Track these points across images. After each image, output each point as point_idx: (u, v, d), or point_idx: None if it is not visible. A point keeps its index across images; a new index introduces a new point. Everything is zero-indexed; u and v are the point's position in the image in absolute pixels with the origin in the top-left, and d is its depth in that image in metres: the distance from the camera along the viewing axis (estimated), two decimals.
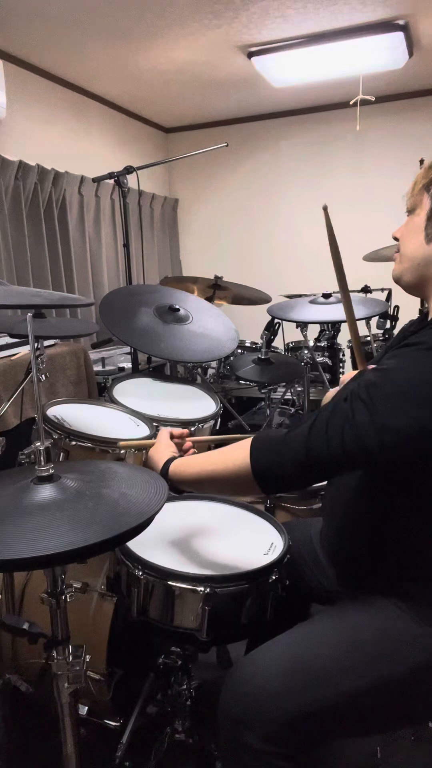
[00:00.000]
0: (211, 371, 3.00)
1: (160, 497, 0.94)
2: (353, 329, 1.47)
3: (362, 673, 1.00)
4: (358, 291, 2.95)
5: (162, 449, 1.22)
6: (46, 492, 0.93)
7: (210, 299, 2.96)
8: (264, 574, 1.20)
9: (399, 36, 2.82)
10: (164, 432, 1.30)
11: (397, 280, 1.09)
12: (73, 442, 1.52)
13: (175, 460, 1.16)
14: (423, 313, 1.13)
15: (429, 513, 1.00)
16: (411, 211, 1.08)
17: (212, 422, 1.76)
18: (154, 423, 1.73)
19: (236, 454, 1.03)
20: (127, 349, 3.08)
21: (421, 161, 2.29)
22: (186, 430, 1.33)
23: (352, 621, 1.07)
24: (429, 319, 1.05)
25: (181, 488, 1.15)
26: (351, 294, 1.46)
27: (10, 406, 1.66)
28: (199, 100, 3.87)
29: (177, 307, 1.97)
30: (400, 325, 2.88)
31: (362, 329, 2.81)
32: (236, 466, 1.03)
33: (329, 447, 0.91)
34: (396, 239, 1.11)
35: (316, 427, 0.94)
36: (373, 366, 1.03)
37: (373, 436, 0.88)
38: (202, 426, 1.79)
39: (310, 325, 2.76)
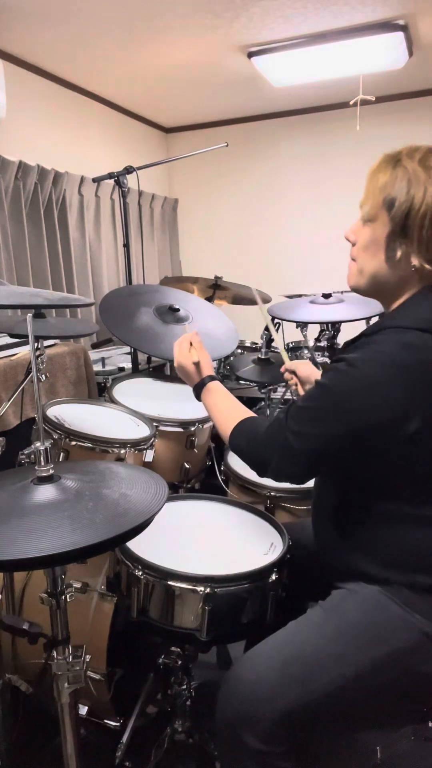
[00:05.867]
0: None
1: (160, 498, 0.94)
2: None
3: (350, 656, 1.02)
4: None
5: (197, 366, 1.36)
6: (46, 492, 0.93)
7: (210, 299, 2.96)
8: (264, 574, 1.20)
9: (399, 36, 2.82)
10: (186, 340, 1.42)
11: (354, 289, 1.13)
12: (73, 442, 1.53)
13: (207, 384, 1.32)
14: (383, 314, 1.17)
15: (381, 504, 1.07)
16: (368, 221, 1.06)
17: (212, 422, 1.76)
18: (154, 423, 1.73)
19: (224, 424, 1.23)
20: (127, 349, 3.08)
21: None
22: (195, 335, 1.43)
23: (340, 609, 1.10)
24: (381, 322, 1.08)
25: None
26: (349, 293, 1.48)
27: (10, 406, 1.66)
28: (199, 100, 3.87)
29: (177, 307, 1.97)
30: None
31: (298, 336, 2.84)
32: (221, 430, 1.25)
33: (267, 449, 1.11)
34: (350, 241, 1.11)
35: (267, 434, 1.13)
36: (335, 361, 1.08)
37: (292, 438, 1.06)
38: (202, 426, 1.80)
39: (310, 325, 2.77)
